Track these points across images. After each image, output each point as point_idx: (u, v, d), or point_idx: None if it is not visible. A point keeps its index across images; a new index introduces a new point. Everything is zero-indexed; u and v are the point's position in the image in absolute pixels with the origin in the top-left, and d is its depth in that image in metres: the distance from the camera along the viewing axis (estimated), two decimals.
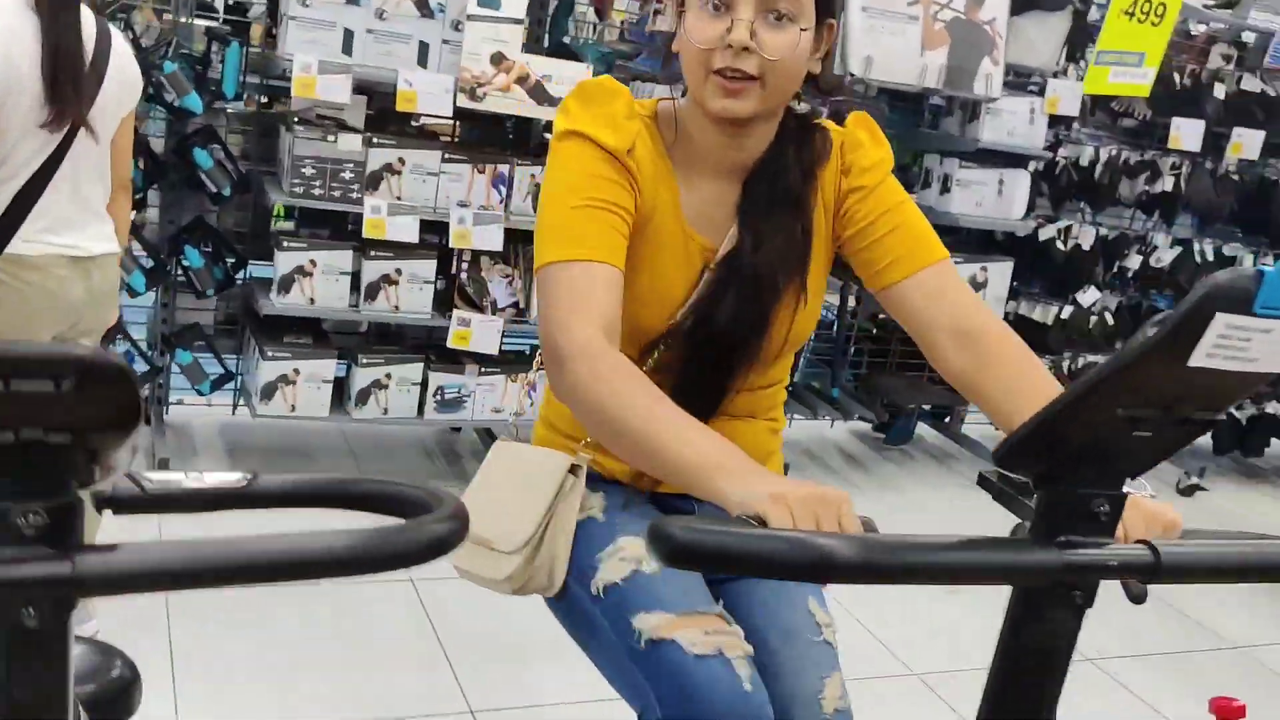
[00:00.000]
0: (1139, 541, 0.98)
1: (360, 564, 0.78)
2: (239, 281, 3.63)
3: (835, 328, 4.62)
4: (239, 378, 3.75)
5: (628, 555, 1.37)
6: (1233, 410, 5.13)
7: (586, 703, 2.38)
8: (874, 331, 4.81)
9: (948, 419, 5.00)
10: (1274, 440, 5.37)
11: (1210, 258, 4.90)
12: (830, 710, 1.34)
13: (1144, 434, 0.92)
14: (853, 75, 3.74)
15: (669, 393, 1.22)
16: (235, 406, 3.79)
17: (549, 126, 3.89)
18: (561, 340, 1.23)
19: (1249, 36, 4.75)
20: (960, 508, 4.45)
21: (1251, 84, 4.71)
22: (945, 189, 4.26)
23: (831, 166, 1.43)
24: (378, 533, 0.82)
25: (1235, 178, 4.87)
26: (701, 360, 1.40)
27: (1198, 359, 0.82)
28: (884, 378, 4.70)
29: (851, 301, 4.64)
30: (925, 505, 4.30)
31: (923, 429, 5.06)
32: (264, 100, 3.84)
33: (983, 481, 2.18)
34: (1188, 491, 4.90)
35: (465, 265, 3.60)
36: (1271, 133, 4.69)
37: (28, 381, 0.66)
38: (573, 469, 1.42)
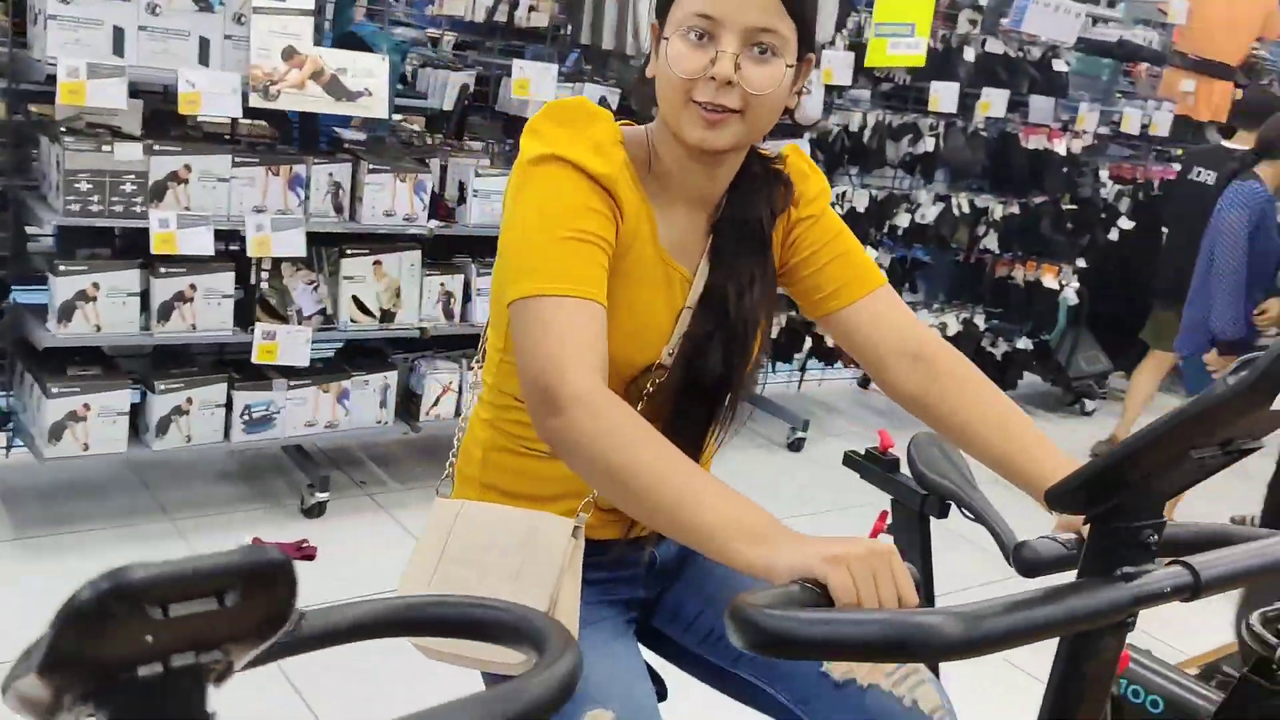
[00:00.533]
0: (1175, 562, 1.02)
1: None
2: (1, 312, 3.25)
3: None
4: (13, 416, 3.36)
5: None
6: (990, 348, 5.54)
7: None
8: None
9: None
10: (1025, 374, 5.84)
11: (966, 210, 5.25)
12: (841, 676, 1.36)
13: (1201, 467, 0.96)
14: (643, 54, 3.72)
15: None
16: (9, 449, 3.40)
17: (345, 121, 3.72)
18: (557, 383, 1.14)
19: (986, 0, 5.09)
20: (766, 466, 4.62)
21: (996, 46, 5.05)
22: None
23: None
24: (504, 692, 0.72)
25: (984, 135, 5.23)
26: (689, 400, 1.36)
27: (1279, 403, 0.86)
28: None
29: None
30: (730, 467, 4.40)
31: None
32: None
33: (850, 462, 2.24)
34: (795, 445, 5.16)
35: (265, 274, 3.36)
36: (1014, 91, 5.05)
37: (189, 604, 0.55)
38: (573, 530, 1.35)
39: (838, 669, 1.37)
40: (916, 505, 1.89)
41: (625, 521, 1.43)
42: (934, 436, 1.90)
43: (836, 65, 4.38)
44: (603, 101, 3.89)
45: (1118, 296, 5.77)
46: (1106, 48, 5.74)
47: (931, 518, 1.90)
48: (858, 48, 4.51)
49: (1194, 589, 1.00)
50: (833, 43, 4.49)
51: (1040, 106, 5.27)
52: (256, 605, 0.57)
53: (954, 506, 1.85)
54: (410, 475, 4.06)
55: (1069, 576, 1.20)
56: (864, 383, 5.79)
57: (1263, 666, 1.67)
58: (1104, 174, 5.70)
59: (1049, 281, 5.50)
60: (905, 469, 1.95)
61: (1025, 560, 1.20)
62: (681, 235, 1.37)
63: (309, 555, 3.39)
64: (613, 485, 1.14)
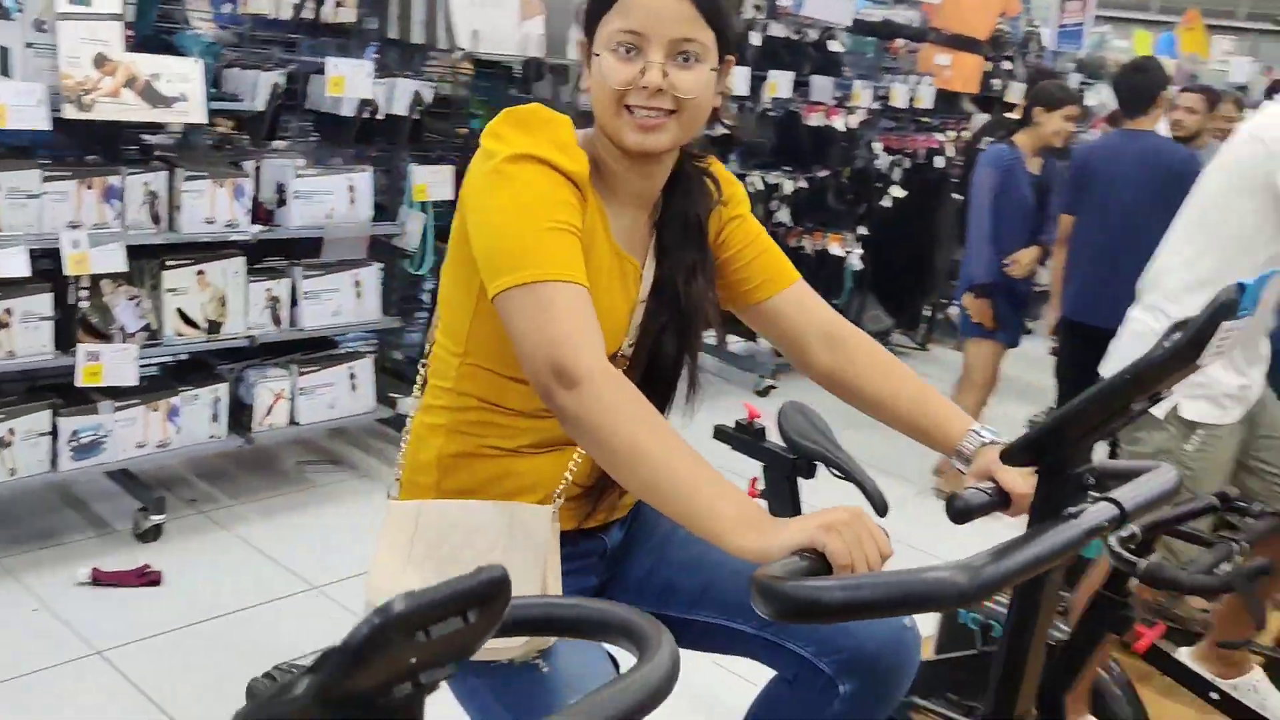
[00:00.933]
0: (1102, 499, 1.20)
1: None
2: None
3: None
4: None
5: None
6: None
7: None
8: None
9: None
10: None
11: (761, 187, 5.51)
12: None
13: (1130, 415, 1.13)
14: (462, 49, 3.75)
15: None
16: None
17: (155, 128, 3.54)
18: (572, 360, 1.21)
19: None
20: None
21: (778, 30, 5.32)
22: None
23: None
24: (627, 684, 0.80)
25: (772, 114, 5.50)
26: (649, 384, 1.44)
27: (1205, 358, 1.04)
28: None
29: None
30: None
31: None
32: None
33: (721, 435, 2.39)
34: (764, 392, 5.54)
35: (84, 293, 3.20)
36: (797, 72, 5.34)
37: (444, 625, 0.61)
38: None
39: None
40: (787, 469, 2.05)
41: (583, 511, 1.50)
42: (799, 405, 2.07)
43: None
44: (417, 95, 3.89)
45: (893, 260, 6.22)
46: (872, 27, 6.13)
47: (800, 479, 2.07)
48: None
49: (1122, 519, 1.18)
50: None
51: (820, 85, 5.59)
52: (487, 620, 0.63)
53: (820, 466, 2.02)
54: (245, 489, 3.94)
55: (993, 519, 1.38)
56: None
57: (1118, 583, 1.92)
58: (877, 146, 6.10)
59: (835, 250, 5.85)
60: (771, 437, 2.10)
61: (958, 509, 1.35)
62: (628, 231, 1.46)
63: (154, 581, 3.27)
64: (617, 458, 1.22)
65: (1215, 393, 2.46)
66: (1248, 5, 16.72)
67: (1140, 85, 4.05)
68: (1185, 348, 1.02)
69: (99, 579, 3.22)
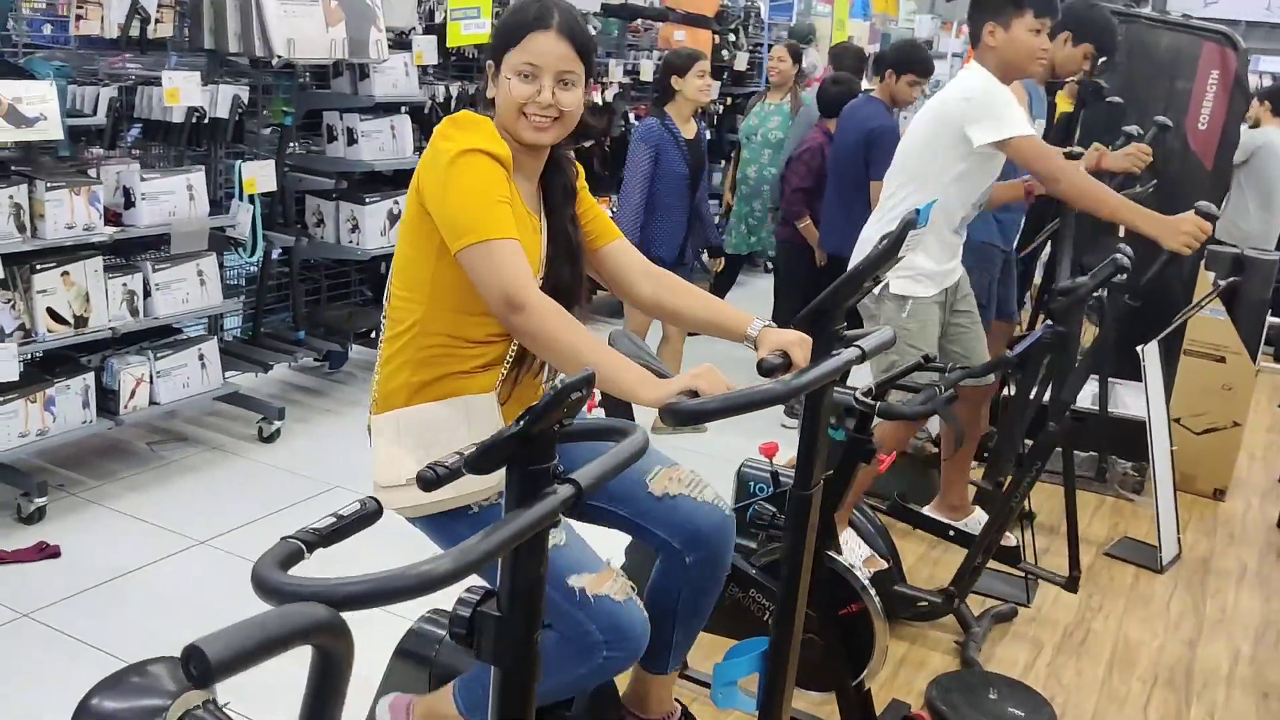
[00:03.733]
0: (849, 345, 1.97)
1: None
2: None
3: (291, 273, 5.11)
4: None
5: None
6: None
7: None
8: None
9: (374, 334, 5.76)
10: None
11: None
12: (659, 492, 2.15)
13: (862, 291, 1.91)
14: (280, 56, 4.23)
15: None
16: None
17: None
18: (521, 294, 1.82)
19: None
20: None
21: None
22: (352, 140, 4.93)
23: None
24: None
25: None
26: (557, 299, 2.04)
27: (902, 253, 1.82)
28: (327, 312, 5.32)
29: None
30: None
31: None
32: None
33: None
34: None
35: None
36: None
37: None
38: None
39: (656, 487, 2.16)
40: None
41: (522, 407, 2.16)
42: (625, 332, 2.78)
43: (425, 48, 5.08)
44: (236, 99, 4.33)
45: None
46: (616, 10, 6.89)
47: None
48: (436, 30, 5.23)
49: (863, 358, 1.96)
50: (416, 29, 5.17)
51: None
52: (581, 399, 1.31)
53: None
54: (105, 472, 4.30)
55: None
56: None
57: (863, 424, 2.75)
58: (632, 117, 6.88)
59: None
60: None
61: (766, 369, 2.09)
62: (527, 197, 2.08)
63: (54, 554, 3.64)
64: (561, 354, 1.85)
65: (915, 273, 3.26)
66: None
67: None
68: (889, 247, 1.80)
69: (1, 559, 3.57)
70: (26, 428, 3.79)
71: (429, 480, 1.30)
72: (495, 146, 1.94)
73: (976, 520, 3.71)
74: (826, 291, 1.86)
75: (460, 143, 1.92)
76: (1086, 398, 4.12)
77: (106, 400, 4.10)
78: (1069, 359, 3.28)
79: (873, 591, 2.74)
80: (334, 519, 1.29)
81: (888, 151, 3.63)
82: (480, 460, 1.28)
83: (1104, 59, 3.82)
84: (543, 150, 2.07)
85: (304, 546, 1.22)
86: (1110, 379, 4.27)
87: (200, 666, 0.87)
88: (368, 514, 1.33)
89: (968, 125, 3.07)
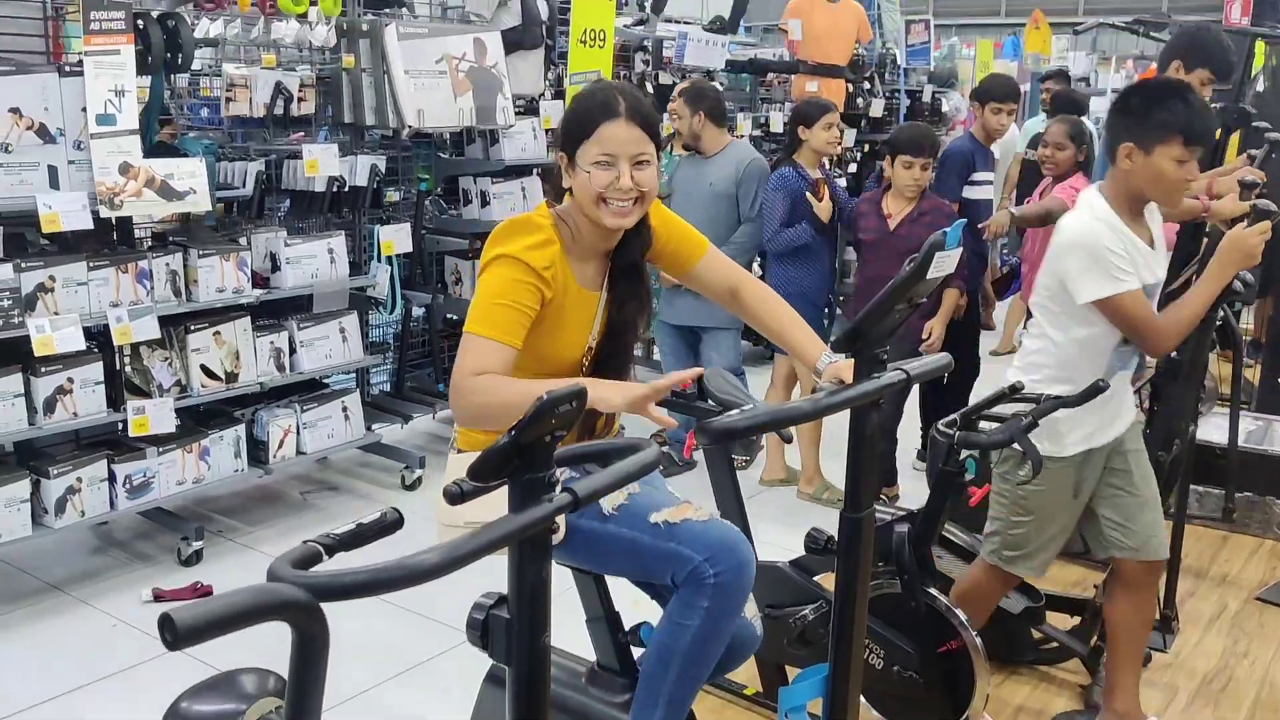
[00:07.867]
0: (895, 367, 2.00)
1: None
2: None
3: (430, 330, 5.40)
4: None
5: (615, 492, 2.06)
6: None
7: None
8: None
9: None
10: None
11: None
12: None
13: (898, 314, 1.94)
14: (411, 127, 4.52)
15: None
16: None
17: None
18: (464, 382, 1.95)
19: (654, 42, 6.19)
20: None
21: (666, 79, 6.17)
22: (485, 202, 5.19)
23: None
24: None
25: None
26: (607, 368, 2.21)
27: (931, 274, 1.85)
28: None
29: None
30: None
31: None
32: None
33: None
34: None
35: (127, 359, 3.88)
36: None
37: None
38: None
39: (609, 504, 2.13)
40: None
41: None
42: (719, 370, 2.85)
43: (551, 112, 5.32)
44: (374, 168, 4.64)
45: None
46: (743, 65, 7.02)
47: None
48: (562, 95, 5.47)
49: (909, 381, 1.98)
50: (544, 94, 5.43)
51: None
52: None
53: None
54: (260, 519, 4.61)
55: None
56: None
57: (951, 458, 2.73)
58: None
59: None
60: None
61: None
62: (591, 273, 2.20)
63: (207, 593, 3.93)
64: (500, 412, 1.89)
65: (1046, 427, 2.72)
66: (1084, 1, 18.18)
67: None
68: (917, 269, 1.83)
69: (160, 596, 3.87)
70: (184, 476, 4.11)
71: (454, 495, 1.41)
72: (533, 253, 2.05)
73: None
74: (861, 314, 1.90)
75: (498, 248, 2.06)
76: (1217, 431, 3.95)
77: (257, 450, 4.41)
78: (1184, 387, 3.17)
79: (973, 630, 2.69)
80: (355, 526, 1.41)
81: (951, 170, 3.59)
82: (480, 468, 1.38)
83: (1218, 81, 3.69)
84: (616, 231, 2.17)
85: (323, 550, 1.35)
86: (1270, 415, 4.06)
87: (171, 631, 1.00)
88: (388, 524, 1.45)
89: (1069, 281, 2.65)
